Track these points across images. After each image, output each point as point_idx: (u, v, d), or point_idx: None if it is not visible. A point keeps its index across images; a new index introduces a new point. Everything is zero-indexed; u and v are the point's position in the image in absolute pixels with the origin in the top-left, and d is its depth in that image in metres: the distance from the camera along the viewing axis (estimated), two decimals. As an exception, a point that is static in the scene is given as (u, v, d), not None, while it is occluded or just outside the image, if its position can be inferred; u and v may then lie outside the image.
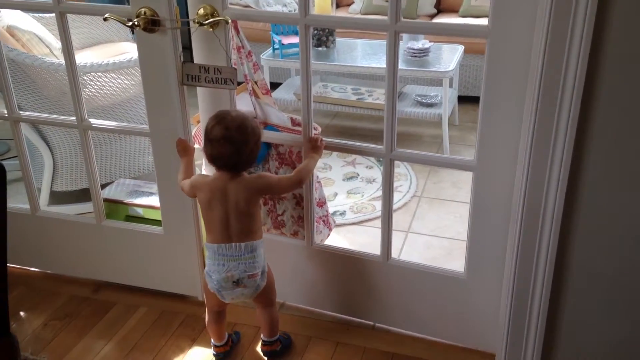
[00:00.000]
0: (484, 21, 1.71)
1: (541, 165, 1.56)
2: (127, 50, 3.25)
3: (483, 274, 1.91)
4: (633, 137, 1.46)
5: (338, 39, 3.97)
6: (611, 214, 1.55)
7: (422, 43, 3.64)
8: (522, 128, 1.63)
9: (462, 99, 4.05)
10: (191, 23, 1.83)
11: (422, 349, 2.07)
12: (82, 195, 2.83)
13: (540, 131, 1.52)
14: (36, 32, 2.76)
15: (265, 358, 2.05)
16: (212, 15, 1.81)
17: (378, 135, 3.62)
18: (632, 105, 1.43)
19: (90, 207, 2.40)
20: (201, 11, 1.81)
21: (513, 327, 1.78)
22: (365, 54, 3.88)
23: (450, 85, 3.72)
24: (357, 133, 3.92)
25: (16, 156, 2.29)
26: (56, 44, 2.83)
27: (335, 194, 3.11)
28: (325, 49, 3.89)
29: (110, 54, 3.16)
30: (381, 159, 3.44)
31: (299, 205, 2.17)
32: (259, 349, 2.07)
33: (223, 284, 1.81)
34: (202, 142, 1.81)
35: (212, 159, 1.79)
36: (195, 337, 2.15)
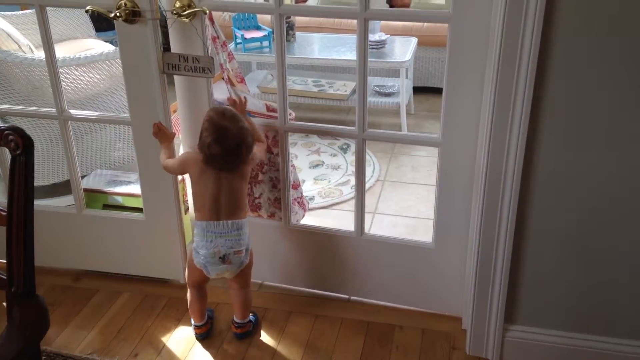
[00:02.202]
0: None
1: (501, 136, 1.71)
2: (92, 46, 3.28)
3: (449, 242, 2.07)
4: (580, 106, 1.64)
5: (297, 33, 4.09)
6: (565, 176, 1.72)
7: (379, 35, 3.80)
8: (482, 104, 1.80)
9: (416, 90, 4.27)
10: (169, 14, 1.92)
11: (395, 317, 2.22)
12: (53, 190, 2.85)
13: (499, 105, 1.68)
14: (4, 28, 2.77)
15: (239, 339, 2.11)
16: (189, 7, 1.90)
17: (339, 125, 3.75)
18: (579, 80, 1.61)
19: (61, 201, 2.44)
20: (177, 4, 1.90)
21: (478, 289, 1.93)
22: (324, 47, 4.01)
23: (406, 76, 3.90)
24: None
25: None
26: (24, 40, 2.85)
27: (303, 181, 3.23)
28: (286, 42, 3.98)
29: (76, 50, 3.19)
30: (344, 147, 3.59)
31: (275, 187, 2.28)
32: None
33: (210, 259, 1.91)
34: (189, 136, 1.88)
35: (210, 164, 1.88)
36: (180, 317, 2.23)
